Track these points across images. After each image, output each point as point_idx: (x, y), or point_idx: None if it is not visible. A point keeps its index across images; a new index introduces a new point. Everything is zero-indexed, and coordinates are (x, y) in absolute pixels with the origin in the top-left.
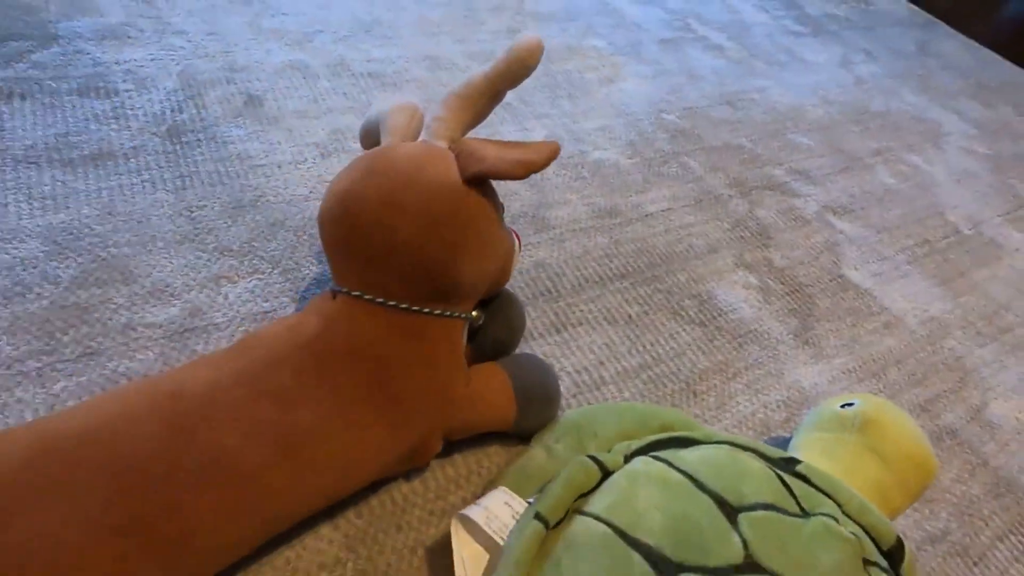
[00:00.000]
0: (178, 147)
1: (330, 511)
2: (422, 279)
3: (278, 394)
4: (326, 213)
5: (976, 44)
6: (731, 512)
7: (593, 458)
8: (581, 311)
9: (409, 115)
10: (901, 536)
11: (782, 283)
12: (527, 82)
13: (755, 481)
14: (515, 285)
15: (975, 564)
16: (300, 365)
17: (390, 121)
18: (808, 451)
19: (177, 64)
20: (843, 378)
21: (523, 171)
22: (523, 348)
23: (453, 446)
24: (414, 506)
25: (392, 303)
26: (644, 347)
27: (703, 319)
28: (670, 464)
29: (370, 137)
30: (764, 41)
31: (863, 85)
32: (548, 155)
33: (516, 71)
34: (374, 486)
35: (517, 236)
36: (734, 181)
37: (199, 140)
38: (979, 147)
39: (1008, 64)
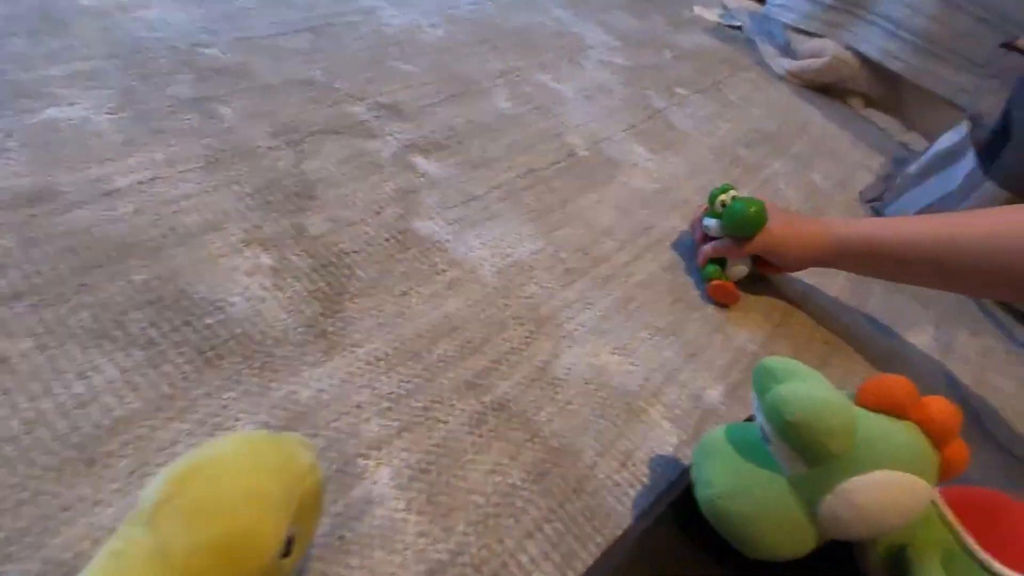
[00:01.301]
0: None
1: None
2: None
3: None
4: None
5: None
6: None
7: None
8: None
9: None
10: None
11: (312, 256)
12: None
13: None
14: None
15: None
16: None
17: None
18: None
19: None
20: (366, 371)
21: None
22: None
23: None
24: None
25: None
26: (11, 410)
27: (152, 337)
28: None
29: None
30: None
31: (502, 0)
32: None
33: None
34: None
35: None
36: (283, 128)
37: None
38: (620, 59)
39: None
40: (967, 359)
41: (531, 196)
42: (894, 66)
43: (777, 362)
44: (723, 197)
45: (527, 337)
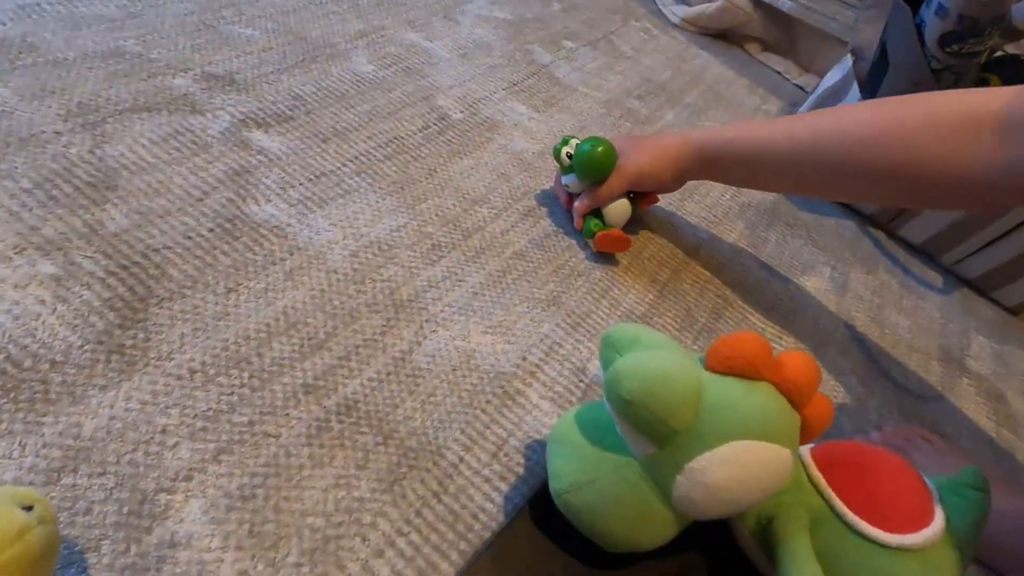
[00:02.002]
0: None
1: None
2: None
3: None
4: None
5: None
6: None
7: None
8: None
9: None
10: None
11: (109, 257)
12: None
13: None
14: None
15: None
16: None
17: None
18: None
19: None
20: (175, 388)
21: None
22: None
23: None
24: None
25: None
26: None
27: None
28: None
29: None
30: None
31: None
32: None
33: None
34: None
35: None
36: (78, 109)
37: None
38: (501, 13)
39: None
40: (862, 297)
41: (393, 167)
42: (784, 6)
43: (620, 331)
44: (566, 150)
45: (383, 326)
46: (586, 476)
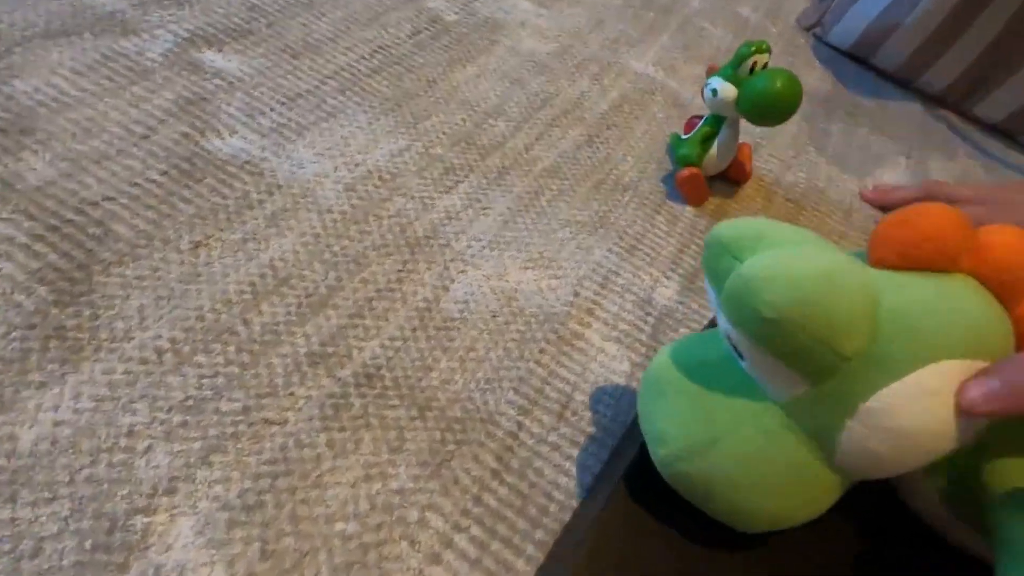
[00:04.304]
0: None
1: None
2: None
3: None
4: None
5: None
6: None
7: None
8: None
9: None
10: None
11: (33, 218)
12: None
13: None
14: None
15: None
16: None
17: None
18: None
19: None
20: (140, 375)
21: None
22: None
23: None
24: None
25: None
26: None
27: None
28: None
29: None
30: None
31: None
32: None
33: None
34: None
35: None
36: None
37: None
38: None
39: None
40: None
41: (383, 81)
42: None
43: (733, 228)
44: (757, 58)
45: (399, 271)
46: (704, 435)
